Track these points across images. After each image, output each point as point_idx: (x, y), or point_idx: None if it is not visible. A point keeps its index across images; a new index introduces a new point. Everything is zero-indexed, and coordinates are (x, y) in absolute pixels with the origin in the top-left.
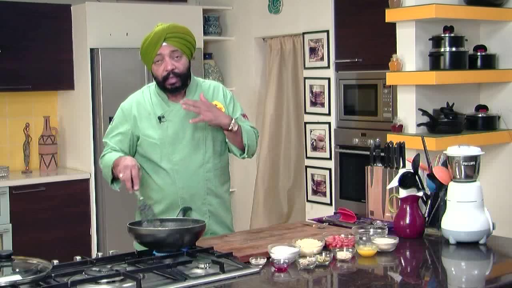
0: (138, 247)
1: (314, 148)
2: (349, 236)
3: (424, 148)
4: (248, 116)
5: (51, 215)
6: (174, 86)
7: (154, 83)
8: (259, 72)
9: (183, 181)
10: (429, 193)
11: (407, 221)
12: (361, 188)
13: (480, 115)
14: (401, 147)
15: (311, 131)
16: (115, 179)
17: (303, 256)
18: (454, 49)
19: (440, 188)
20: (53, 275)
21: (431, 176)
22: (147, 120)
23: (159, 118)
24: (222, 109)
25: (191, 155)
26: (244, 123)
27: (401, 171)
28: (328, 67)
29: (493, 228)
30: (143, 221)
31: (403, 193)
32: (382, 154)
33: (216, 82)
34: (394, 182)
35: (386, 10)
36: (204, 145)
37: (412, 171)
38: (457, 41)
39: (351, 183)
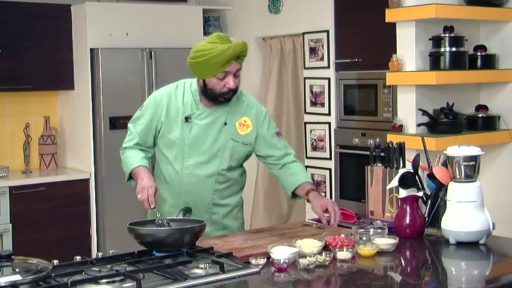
0: None
1: (314, 148)
2: (349, 236)
3: (424, 148)
4: None
5: (51, 215)
6: (227, 100)
7: (191, 81)
8: (259, 72)
9: (190, 186)
10: (429, 193)
11: (407, 221)
12: (361, 188)
13: (480, 115)
14: (401, 147)
15: (311, 131)
16: (131, 177)
17: (303, 256)
18: (454, 49)
19: (440, 188)
20: (53, 275)
21: (431, 176)
22: (173, 117)
23: (186, 118)
24: (250, 127)
25: (205, 163)
26: (280, 143)
27: (401, 171)
28: (328, 67)
29: (493, 228)
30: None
31: (403, 193)
32: (382, 154)
33: (251, 98)
34: (394, 182)
35: (386, 10)
36: (221, 157)
37: (412, 171)
38: (457, 41)
39: (351, 183)
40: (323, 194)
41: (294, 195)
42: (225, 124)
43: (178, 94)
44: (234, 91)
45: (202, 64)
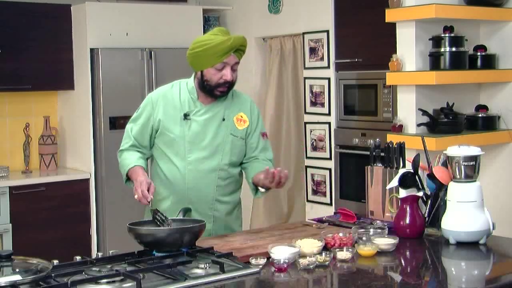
0: None
1: (314, 148)
2: (347, 234)
3: (424, 148)
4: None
5: (51, 215)
6: (223, 94)
7: (186, 81)
8: (259, 72)
9: (193, 182)
10: (429, 193)
11: (407, 221)
12: (361, 188)
13: (480, 115)
14: (401, 147)
15: (311, 131)
16: (129, 179)
17: (303, 256)
18: (454, 49)
19: (440, 188)
20: (53, 275)
21: (431, 176)
22: (171, 115)
23: (185, 115)
24: (246, 122)
25: (207, 159)
26: (259, 144)
27: (401, 171)
28: (328, 67)
29: (493, 228)
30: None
31: (403, 193)
32: (382, 154)
33: (245, 96)
34: (394, 182)
35: (386, 10)
36: (222, 152)
37: (412, 171)
38: (457, 41)
39: (351, 183)
40: (323, 194)
41: (256, 188)
42: (224, 119)
43: (174, 93)
44: (230, 85)
45: (201, 54)
